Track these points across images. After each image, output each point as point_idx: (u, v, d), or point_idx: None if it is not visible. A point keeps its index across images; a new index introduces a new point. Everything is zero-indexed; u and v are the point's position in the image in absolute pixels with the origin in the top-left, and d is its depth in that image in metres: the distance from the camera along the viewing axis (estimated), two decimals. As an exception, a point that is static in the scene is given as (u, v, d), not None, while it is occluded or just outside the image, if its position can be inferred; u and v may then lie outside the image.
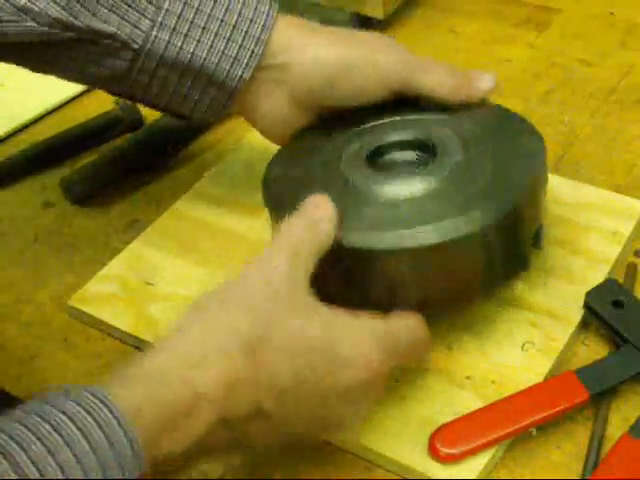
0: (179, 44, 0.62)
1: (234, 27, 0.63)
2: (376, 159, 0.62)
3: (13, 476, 0.40)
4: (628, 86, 0.85)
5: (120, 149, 0.81)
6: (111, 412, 0.43)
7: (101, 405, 0.43)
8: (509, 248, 0.59)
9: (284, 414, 0.49)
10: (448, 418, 0.57)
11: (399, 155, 0.63)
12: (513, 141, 0.62)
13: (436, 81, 0.63)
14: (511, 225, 0.58)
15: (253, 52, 0.63)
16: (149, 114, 0.87)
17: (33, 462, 0.40)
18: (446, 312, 0.62)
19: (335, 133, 0.65)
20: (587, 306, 0.62)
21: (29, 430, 0.41)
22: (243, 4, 0.63)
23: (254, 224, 0.71)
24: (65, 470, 0.41)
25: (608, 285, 0.62)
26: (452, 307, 0.61)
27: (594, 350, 0.62)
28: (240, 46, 0.63)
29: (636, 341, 0.59)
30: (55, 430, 0.42)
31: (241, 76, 0.63)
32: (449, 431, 0.56)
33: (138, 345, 0.65)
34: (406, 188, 0.58)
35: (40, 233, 0.77)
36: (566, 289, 0.64)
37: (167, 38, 0.62)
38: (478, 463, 0.55)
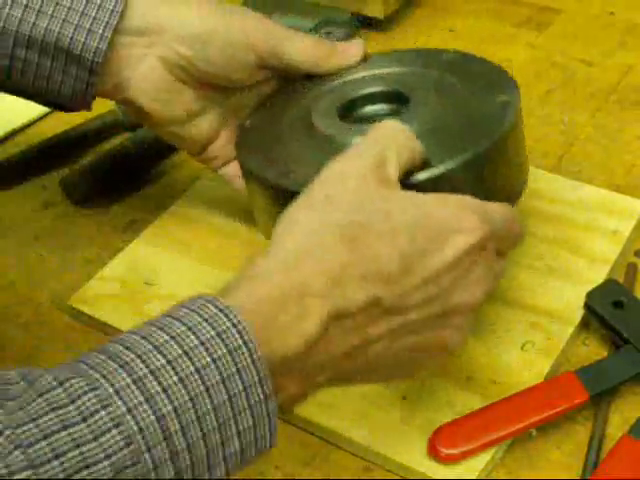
0: (32, 20, 0.61)
1: (87, 0, 0.62)
2: (349, 113, 0.62)
3: (134, 390, 0.39)
4: (628, 86, 0.85)
5: (120, 149, 0.81)
6: (227, 318, 0.42)
7: (219, 312, 0.42)
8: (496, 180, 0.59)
9: (399, 305, 0.47)
10: (448, 418, 0.57)
11: (371, 108, 0.64)
12: (486, 88, 0.61)
13: (301, 51, 0.65)
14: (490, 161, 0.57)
15: (107, 23, 0.61)
16: (149, 114, 0.87)
17: (152, 372, 0.40)
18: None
19: (307, 90, 0.65)
20: (587, 306, 0.62)
21: (146, 339, 0.41)
22: None
23: (254, 224, 0.71)
24: (184, 380, 0.40)
25: (609, 285, 0.62)
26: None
27: (594, 350, 0.62)
28: (94, 18, 0.61)
29: (636, 341, 0.59)
30: (173, 339, 0.41)
31: (97, 47, 0.61)
32: (449, 431, 0.56)
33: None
34: None
35: (40, 233, 0.77)
36: (566, 289, 0.64)
37: (20, 15, 0.61)
38: (478, 463, 0.55)
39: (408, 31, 0.96)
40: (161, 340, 0.41)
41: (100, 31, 0.61)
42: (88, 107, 0.66)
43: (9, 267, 0.74)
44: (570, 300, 0.63)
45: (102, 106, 0.86)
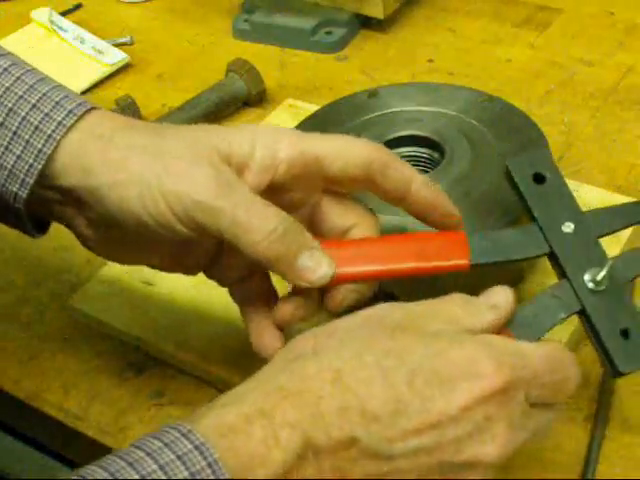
0: None
1: (14, 133, 0.51)
2: None
3: None
4: (628, 86, 0.85)
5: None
6: (202, 456, 0.41)
7: (194, 450, 0.41)
8: None
9: (383, 451, 0.43)
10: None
11: (405, 150, 0.64)
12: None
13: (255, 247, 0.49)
14: None
15: (31, 166, 0.51)
16: (148, 114, 0.87)
17: None
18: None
19: (344, 123, 0.66)
20: (507, 173, 0.55)
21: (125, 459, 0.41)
22: (34, 106, 0.51)
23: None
24: None
25: (536, 156, 0.56)
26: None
27: (594, 350, 0.61)
28: (18, 157, 0.51)
29: (543, 222, 0.53)
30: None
31: (17, 194, 0.52)
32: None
33: (138, 345, 0.65)
34: None
35: (40, 233, 0.77)
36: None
37: None
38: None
39: (408, 31, 0.96)
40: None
41: (22, 175, 0.51)
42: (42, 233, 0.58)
43: (9, 267, 0.74)
44: (570, 300, 0.63)
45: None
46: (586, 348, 0.62)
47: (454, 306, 0.47)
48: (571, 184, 0.72)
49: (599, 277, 0.50)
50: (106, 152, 0.50)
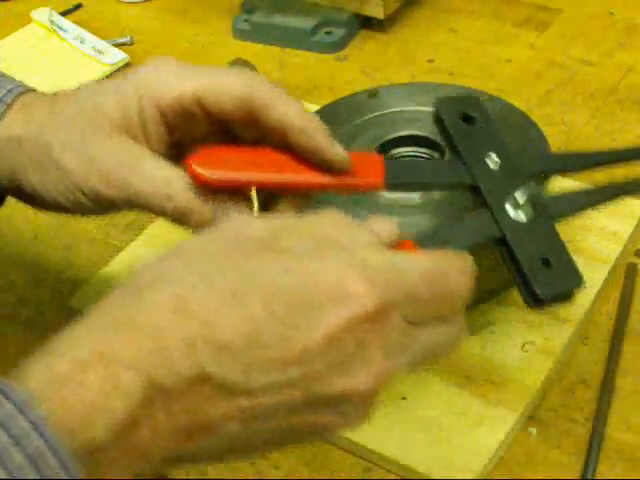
0: None
1: None
2: (382, 152, 0.63)
3: None
4: (628, 86, 0.85)
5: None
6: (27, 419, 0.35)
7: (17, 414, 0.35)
8: None
9: (242, 386, 0.37)
10: (448, 418, 0.57)
11: (404, 150, 0.64)
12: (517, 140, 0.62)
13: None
14: None
15: None
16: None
17: None
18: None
19: (345, 122, 0.66)
20: (436, 116, 0.54)
21: None
22: None
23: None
24: None
25: (467, 99, 0.56)
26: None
27: (594, 350, 0.62)
28: None
29: (468, 157, 0.52)
30: None
31: None
32: (210, 155, 0.50)
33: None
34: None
35: (40, 233, 0.77)
36: (566, 289, 0.64)
37: None
38: (478, 463, 0.55)
39: (408, 31, 0.96)
40: None
41: None
42: None
43: (9, 267, 0.74)
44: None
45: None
46: (586, 348, 0.62)
47: (326, 223, 0.42)
48: (571, 184, 0.72)
49: (521, 200, 0.49)
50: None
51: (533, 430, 0.57)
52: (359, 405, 0.40)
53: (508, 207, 0.49)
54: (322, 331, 0.38)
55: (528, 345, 0.61)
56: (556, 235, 0.49)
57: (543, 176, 0.56)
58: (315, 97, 0.87)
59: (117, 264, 0.71)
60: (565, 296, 0.48)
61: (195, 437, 0.38)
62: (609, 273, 0.65)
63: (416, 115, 0.66)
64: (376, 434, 0.57)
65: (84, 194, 0.51)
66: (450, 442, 0.56)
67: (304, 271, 0.39)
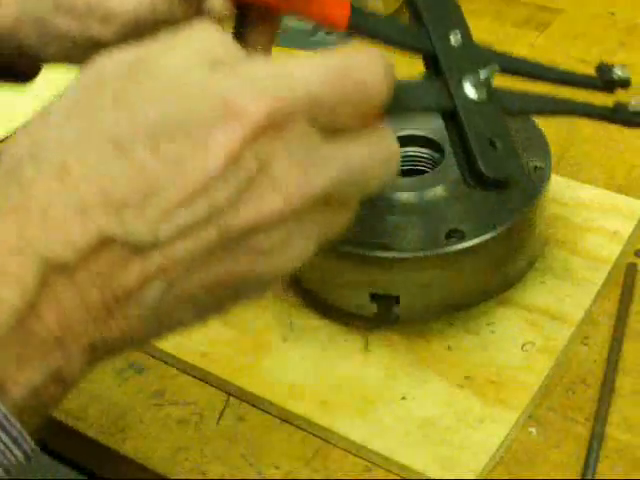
0: None
1: None
2: None
3: None
4: (628, 86, 0.85)
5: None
6: None
7: None
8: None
9: (148, 243, 0.34)
10: (448, 418, 0.57)
11: (403, 150, 0.64)
12: (521, 149, 0.63)
13: None
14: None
15: None
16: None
17: None
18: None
19: None
20: None
21: None
22: None
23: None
24: None
25: None
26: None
27: (594, 350, 0.62)
28: None
29: (430, 25, 0.53)
30: None
31: None
32: None
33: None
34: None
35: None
36: (566, 289, 0.64)
37: None
38: (478, 463, 0.55)
39: (408, 31, 0.96)
40: None
41: None
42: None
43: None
44: (570, 300, 0.63)
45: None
46: (586, 348, 0.62)
47: (203, 38, 0.37)
48: (571, 184, 0.72)
49: (477, 80, 0.48)
50: None
51: (533, 430, 0.57)
52: (275, 236, 0.36)
53: (465, 83, 0.49)
54: (217, 156, 0.34)
55: (528, 345, 0.61)
56: (504, 121, 0.49)
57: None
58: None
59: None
60: (504, 183, 0.47)
61: (116, 311, 0.35)
62: (609, 273, 0.65)
63: (416, 115, 0.66)
64: (376, 434, 0.57)
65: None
66: (450, 442, 0.56)
67: (181, 98, 0.35)
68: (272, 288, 0.42)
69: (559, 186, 0.71)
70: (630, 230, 0.67)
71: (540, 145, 0.62)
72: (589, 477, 0.54)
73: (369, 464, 0.57)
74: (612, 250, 0.66)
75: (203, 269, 0.35)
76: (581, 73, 0.54)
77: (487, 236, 0.57)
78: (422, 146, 0.64)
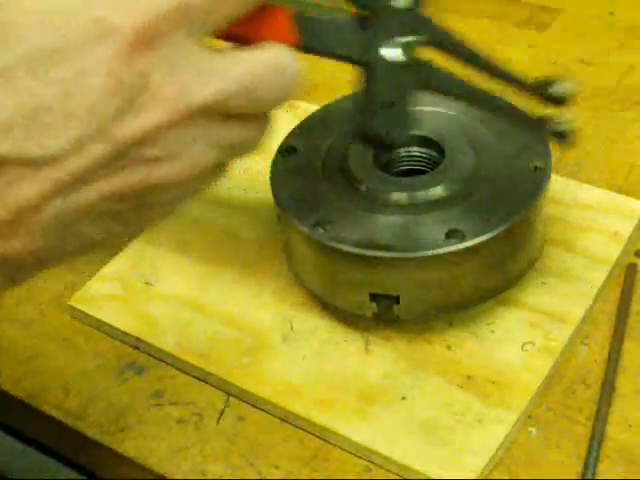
0: None
1: None
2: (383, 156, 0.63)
3: None
4: (628, 86, 0.85)
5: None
6: None
7: None
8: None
9: (40, 153, 0.36)
10: (448, 418, 0.57)
11: (403, 150, 0.64)
12: (521, 149, 0.63)
13: None
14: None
15: None
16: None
17: None
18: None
19: (346, 121, 0.66)
20: None
21: None
22: None
23: (254, 224, 0.71)
24: None
25: None
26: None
27: (594, 350, 0.62)
28: None
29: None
30: None
31: None
32: None
33: (138, 345, 0.65)
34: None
35: (40, 233, 0.77)
36: (566, 289, 0.64)
37: None
38: (478, 463, 0.55)
39: (408, 31, 0.96)
40: None
41: None
42: None
43: (9, 267, 0.74)
44: (570, 300, 0.63)
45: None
46: (586, 348, 0.62)
47: None
48: (571, 184, 0.72)
49: (404, 40, 0.50)
50: None
51: (533, 430, 0.57)
52: (164, 145, 0.37)
53: (387, 43, 0.50)
54: (95, 74, 0.35)
55: (528, 345, 0.61)
56: (411, 90, 0.51)
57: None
58: (315, 97, 0.87)
59: (117, 264, 0.71)
60: (386, 145, 0.50)
61: (17, 227, 0.36)
62: (609, 273, 0.65)
63: (416, 115, 0.66)
64: (376, 434, 0.57)
65: None
66: (450, 442, 0.56)
67: (56, 22, 0.35)
68: (180, 207, 0.42)
69: (559, 186, 0.71)
70: (630, 230, 0.67)
71: (540, 145, 0.62)
72: (589, 477, 0.54)
73: (369, 464, 0.57)
74: (612, 250, 0.66)
75: (100, 180, 0.37)
76: (516, 74, 0.54)
77: (487, 236, 0.57)
78: (422, 146, 0.64)
